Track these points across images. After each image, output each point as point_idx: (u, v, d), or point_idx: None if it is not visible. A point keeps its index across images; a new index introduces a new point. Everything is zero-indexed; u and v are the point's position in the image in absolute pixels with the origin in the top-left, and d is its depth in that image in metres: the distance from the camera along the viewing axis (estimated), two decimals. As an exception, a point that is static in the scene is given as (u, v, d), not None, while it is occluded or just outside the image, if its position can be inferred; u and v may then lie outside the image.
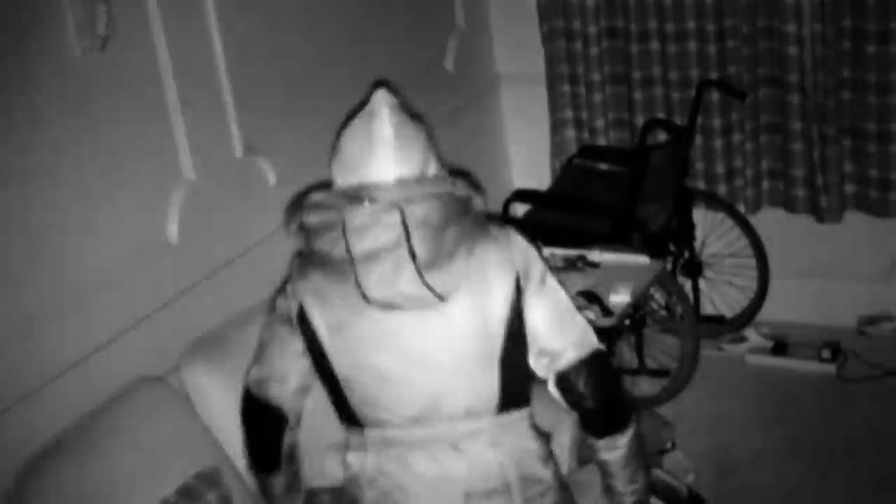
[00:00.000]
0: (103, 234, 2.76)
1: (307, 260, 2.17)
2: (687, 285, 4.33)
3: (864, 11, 3.93)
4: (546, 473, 2.24)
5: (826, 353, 4.22)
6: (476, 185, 2.15)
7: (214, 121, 3.10)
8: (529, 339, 2.18)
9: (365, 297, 2.05)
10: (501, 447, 2.19)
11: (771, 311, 4.38)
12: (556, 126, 4.54)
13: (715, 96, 4.22)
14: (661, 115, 4.33)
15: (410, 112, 2.15)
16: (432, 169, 2.10)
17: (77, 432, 2.59)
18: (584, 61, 4.40)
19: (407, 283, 2.03)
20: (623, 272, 3.52)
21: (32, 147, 2.57)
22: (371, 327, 2.11)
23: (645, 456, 2.32)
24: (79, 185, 2.69)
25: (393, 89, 2.18)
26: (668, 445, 3.62)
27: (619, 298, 3.39)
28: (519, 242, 2.19)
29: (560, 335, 2.19)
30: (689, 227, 4.31)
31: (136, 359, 2.81)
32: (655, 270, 3.61)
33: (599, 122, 4.46)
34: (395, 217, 2.01)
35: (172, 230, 2.95)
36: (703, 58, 4.20)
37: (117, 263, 2.79)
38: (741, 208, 4.35)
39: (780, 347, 4.32)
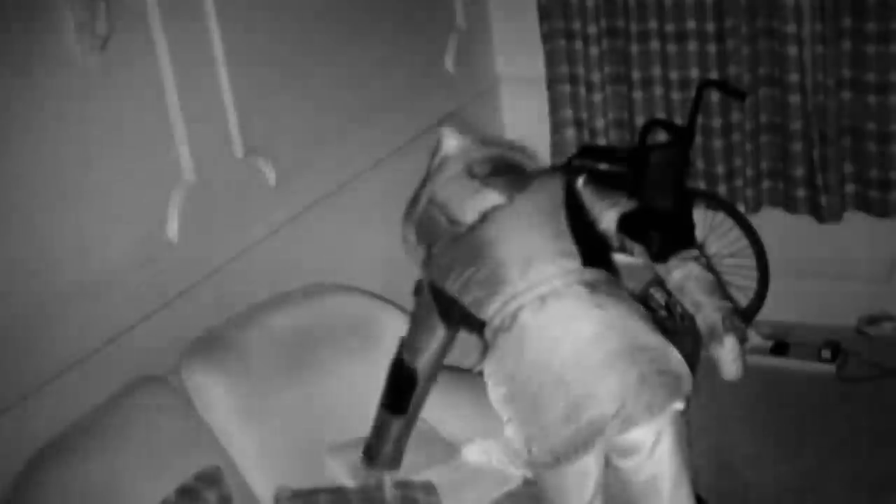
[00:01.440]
0: (103, 234, 2.76)
1: (427, 256, 2.79)
2: (687, 285, 4.32)
3: (864, 11, 3.93)
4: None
5: (826, 353, 4.22)
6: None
7: (214, 121, 3.10)
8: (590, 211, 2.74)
9: (459, 224, 2.69)
10: (594, 288, 2.58)
11: (771, 311, 4.38)
12: (556, 126, 4.54)
13: (715, 96, 4.22)
14: (661, 115, 4.33)
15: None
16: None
17: (77, 432, 2.59)
18: (584, 61, 4.40)
19: (483, 196, 2.69)
20: (623, 272, 3.52)
21: (32, 147, 2.57)
22: (469, 243, 2.66)
23: (721, 285, 2.71)
24: (79, 185, 2.69)
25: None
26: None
27: (630, 284, 3.38)
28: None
29: (607, 208, 2.74)
30: (690, 227, 4.31)
31: (136, 359, 2.81)
32: (655, 270, 3.61)
33: (599, 122, 4.46)
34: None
35: (172, 230, 2.95)
36: (703, 58, 4.20)
37: (117, 263, 2.79)
38: (741, 208, 4.35)
39: (780, 347, 4.33)
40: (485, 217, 2.68)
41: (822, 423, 3.92)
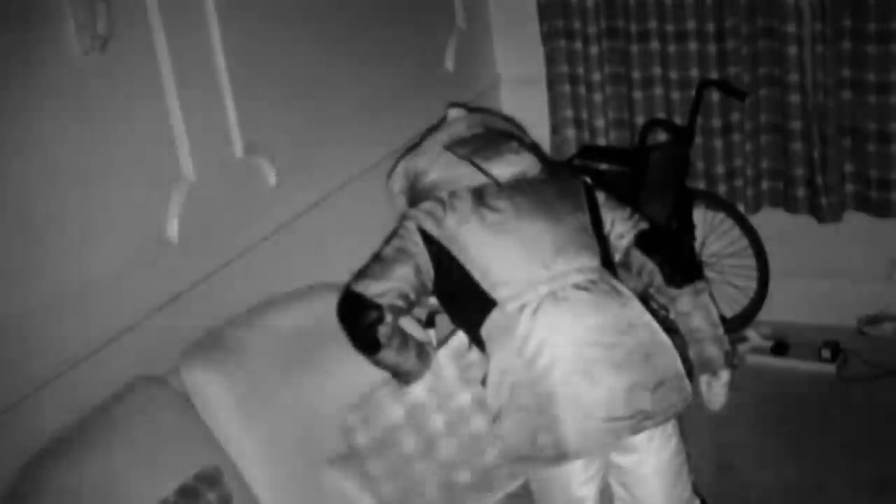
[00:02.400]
0: (103, 234, 2.76)
1: (417, 201, 2.71)
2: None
3: (864, 11, 3.93)
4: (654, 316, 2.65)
5: (826, 353, 4.22)
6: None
7: (214, 121, 3.09)
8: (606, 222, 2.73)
9: (491, 181, 2.63)
10: (615, 288, 2.59)
11: (771, 311, 4.38)
12: (556, 126, 4.54)
13: (715, 96, 4.22)
14: (661, 115, 4.33)
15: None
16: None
17: (77, 432, 2.59)
18: (584, 61, 4.40)
19: (522, 158, 2.68)
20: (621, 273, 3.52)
21: (32, 147, 2.57)
22: (495, 212, 2.60)
23: (720, 319, 2.72)
24: (79, 185, 2.69)
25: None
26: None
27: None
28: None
29: (622, 219, 2.74)
30: (689, 227, 4.31)
31: (136, 359, 2.81)
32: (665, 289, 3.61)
33: (599, 122, 4.46)
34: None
35: (172, 230, 2.95)
36: (703, 58, 4.20)
37: (117, 263, 2.79)
38: (741, 208, 4.35)
39: (780, 347, 4.33)
40: (518, 184, 2.65)
41: (823, 423, 3.92)
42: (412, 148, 2.86)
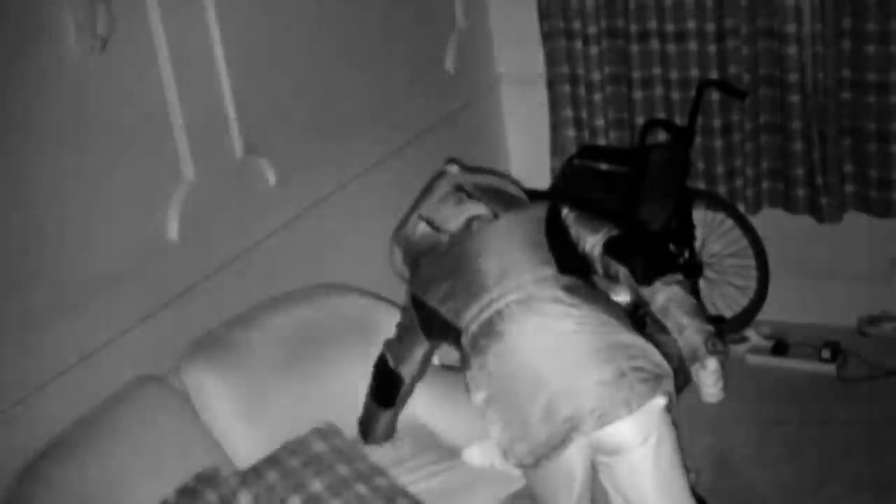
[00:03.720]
0: (103, 234, 2.76)
1: (412, 273, 2.87)
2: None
3: (864, 11, 3.93)
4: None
5: (826, 353, 4.22)
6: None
7: (214, 121, 3.10)
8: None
9: (444, 233, 2.76)
10: (572, 291, 2.64)
11: (771, 311, 4.38)
12: (556, 126, 4.54)
13: (715, 96, 4.22)
14: (661, 115, 4.33)
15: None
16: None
17: (77, 432, 2.60)
18: (584, 61, 4.40)
19: (468, 206, 2.77)
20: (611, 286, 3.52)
21: (32, 147, 2.58)
22: (451, 256, 2.73)
23: (703, 309, 2.75)
24: (79, 185, 2.69)
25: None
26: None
27: (619, 299, 3.38)
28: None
29: (592, 231, 2.80)
30: (689, 227, 4.31)
31: (136, 359, 2.81)
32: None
33: (599, 122, 4.46)
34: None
35: (172, 230, 2.95)
36: (703, 58, 4.20)
37: (117, 263, 2.79)
38: (741, 208, 4.35)
39: (780, 347, 4.33)
40: (468, 227, 2.75)
41: (823, 423, 3.92)
42: (401, 224, 2.95)
